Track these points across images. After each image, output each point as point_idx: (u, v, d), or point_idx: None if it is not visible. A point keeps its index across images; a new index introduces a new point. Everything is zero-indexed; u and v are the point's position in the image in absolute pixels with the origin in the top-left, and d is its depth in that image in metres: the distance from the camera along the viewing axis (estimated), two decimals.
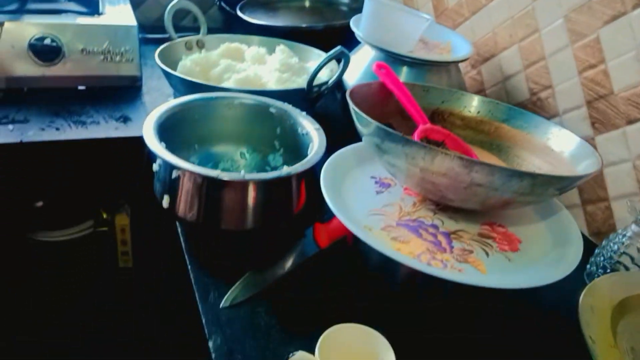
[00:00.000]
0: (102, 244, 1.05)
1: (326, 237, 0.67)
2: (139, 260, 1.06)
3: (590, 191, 0.79)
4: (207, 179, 0.61)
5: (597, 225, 0.78)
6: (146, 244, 1.04)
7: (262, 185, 0.62)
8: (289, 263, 0.64)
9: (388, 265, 0.58)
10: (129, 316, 1.10)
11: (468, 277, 0.50)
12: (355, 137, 0.66)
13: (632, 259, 0.65)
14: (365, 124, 0.57)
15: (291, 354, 0.48)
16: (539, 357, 0.59)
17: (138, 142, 0.69)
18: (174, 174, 0.62)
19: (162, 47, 0.94)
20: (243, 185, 0.61)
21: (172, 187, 0.63)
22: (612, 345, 0.51)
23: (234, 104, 0.77)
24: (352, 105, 0.59)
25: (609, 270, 0.66)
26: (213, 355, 0.52)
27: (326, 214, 0.69)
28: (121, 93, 0.98)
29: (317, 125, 0.73)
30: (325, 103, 1.02)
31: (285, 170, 0.62)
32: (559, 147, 0.64)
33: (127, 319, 1.10)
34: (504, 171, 0.49)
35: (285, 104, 0.77)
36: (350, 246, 0.64)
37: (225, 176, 0.60)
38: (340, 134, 0.74)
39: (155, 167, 0.65)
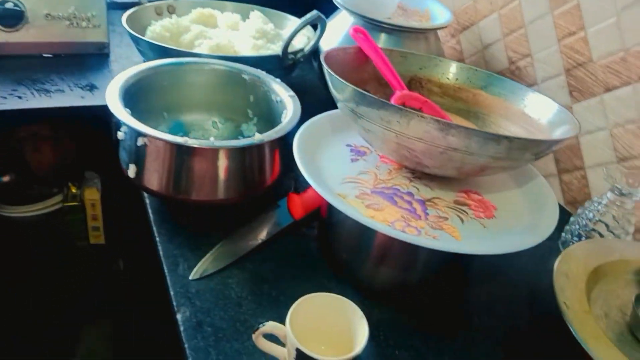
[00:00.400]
0: (71, 220, 1.01)
1: (300, 208, 0.65)
2: (111, 236, 1.03)
3: (566, 160, 0.78)
4: (174, 146, 0.58)
5: (573, 194, 0.78)
6: (118, 218, 1.01)
7: (233, 153, 0.60)
8: (262, 234, 0.63)
9: (358, 248, 0.57)
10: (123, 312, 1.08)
11: (443, 244, 0.49)
12: (332, 107, 0.64)
13: (607, 226, 0.65)
14: (340, 88, 0.55)
15: (261, 325, 0.46)
16: (513, 325, 0.59)
17: (105, 111, 0.65)
18: (140, 142, 0.59)
19: (130, 11, 0.89)
20: (213, 153, 0.59)
21: (138, 155, 0.60)
22: (586, 311, 0.51)
23: (205, 69, 0.74)
24: (326, 69, 0.57)
25: (583, 238, 0.66)
26: (181, 328, 0.50)
27: (301, 186, 0.68)
28: (87, 60, 0.94)
29: (292, 92, 0.70)
30: (302, 73, 1.00)
31: (258, 137, 0.60)
32: (536, 113, 0.62)
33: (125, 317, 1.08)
34: (481, 134, 0.47)
35: (259, 70, 0.74)
36: (325, 218, 0.63)
37: (194, 143, 0.57)
38: (317, 103, 0.72)
39: (120, 134, 0.62)
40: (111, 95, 0.62)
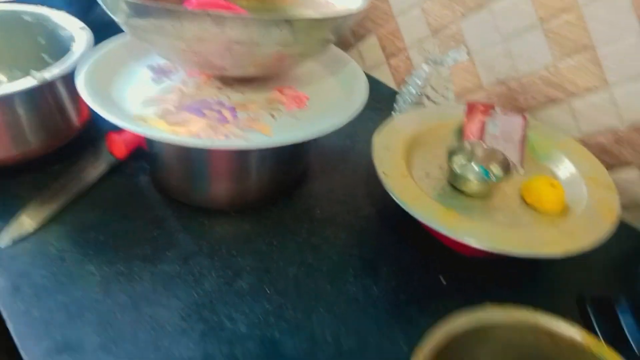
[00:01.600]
0: None
1: (123, 147, 0.61)
2: None
3: (390, 45, 0.80)
4: None
5: (401, 76, 0.80)
6: None
7: (14, 101, 0.53)
8: (82, 182, 0.58)
9: (181, 170, 0.55)
10: None
11: (252, 143, 0.47)
12: None
13: (428, 97, 0.68)
14: (110, 2, 0.49)
15: None
16: (354, 207, 0.60)
17: None
18: None
19: None
20: None
21: None
22: (404, 175, 0.53)
23: None
24: None
25: None
26: None
27: None
28: None
29: (82, 25, 0.63)
30: None
31: (38, 77, 0.53)
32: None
33: None
34: (259, 22, 0.45)
35: (42, 7, 0.65)
36: (149, 152, 0.59)
37: None
38: None
39: None
40: None
